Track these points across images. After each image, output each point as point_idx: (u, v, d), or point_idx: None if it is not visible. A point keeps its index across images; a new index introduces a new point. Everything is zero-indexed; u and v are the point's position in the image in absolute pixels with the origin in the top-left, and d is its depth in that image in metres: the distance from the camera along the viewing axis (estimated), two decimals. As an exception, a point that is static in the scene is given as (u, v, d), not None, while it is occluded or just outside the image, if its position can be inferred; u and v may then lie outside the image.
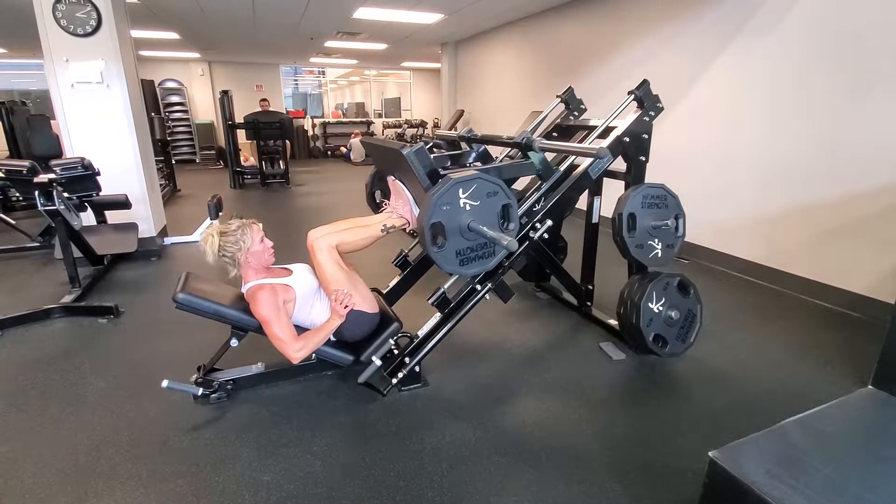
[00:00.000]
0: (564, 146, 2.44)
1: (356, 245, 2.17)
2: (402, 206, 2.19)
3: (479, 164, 2.56)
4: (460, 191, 1.78)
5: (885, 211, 2.89)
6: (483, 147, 2.63)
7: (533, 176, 2.53)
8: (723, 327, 2.88)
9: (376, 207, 2.71)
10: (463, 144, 2.76)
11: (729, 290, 3.56)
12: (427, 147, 1.98)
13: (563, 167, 2.38)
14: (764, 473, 1.19)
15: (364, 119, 13.52)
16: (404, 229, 2.23)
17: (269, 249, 2.08)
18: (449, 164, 2.50)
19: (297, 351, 1.96)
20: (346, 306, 2.04)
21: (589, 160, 2.35)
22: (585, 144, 2.54)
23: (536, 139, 2.23)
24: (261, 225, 2.11)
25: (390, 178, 2.28)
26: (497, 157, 2.78)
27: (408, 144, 1.95)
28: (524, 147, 2.24)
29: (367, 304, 2.17)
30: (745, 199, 3.75)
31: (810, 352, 2.61)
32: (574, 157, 2.42)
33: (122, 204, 3.93)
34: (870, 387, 1.63)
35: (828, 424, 1.42)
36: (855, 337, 2.78)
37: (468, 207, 1.81)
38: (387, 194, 2.41)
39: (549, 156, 2.49)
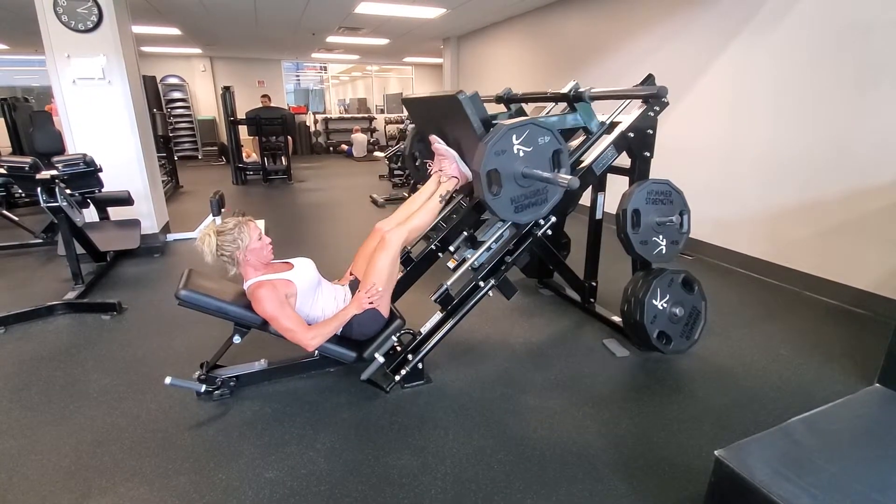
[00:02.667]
0: (618, 91, 2.44)
1: (424, 228, 2.26)
2: (448, 164, 2.22)
3: None
4: (514, 137, 1.83)
5: (891, 207, 2.87)
6: (519, 106, 2.64)
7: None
8: (727, 324, 2.86)
9: (416, 170, 2.72)
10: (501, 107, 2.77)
11: (733, 286, 3.54)
12: None
13: (584, 162, 2.36)
14: (770, 473, 1.18)
15: (366, 115, 13.48)
16: (456, 188, 2.27)
17: (268, 246, 2.08)
18: None
19: (311, 339, 1.96)
20: (371, 303, 2.06)
21: (593, 156, 2.34)
22: (587, 144, 2.53)
23: (587, 89, 2.23)
24: (262, 222, 2.10)
25: (432, 138, 2.28)
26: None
27: (461, 91, 1.98)
28: (573, 98, 2.25)
29: (386, 307, 2.19)
30: (749, 195, 3.73)
31: (815, 349, 2.59)
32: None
33: (125, 200, 3.93)
34: (876, 384, 1.62)
35: (834, 423, 1.41)
36: (860, 334, 2.76)
37: (521, 154, 1.86)
38: (427, 156, 2.42)
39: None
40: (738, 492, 1.21)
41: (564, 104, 2.50)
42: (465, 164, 2.26)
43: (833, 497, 1.12)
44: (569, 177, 1.75)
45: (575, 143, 2.48)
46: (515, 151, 1.86)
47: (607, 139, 2.39)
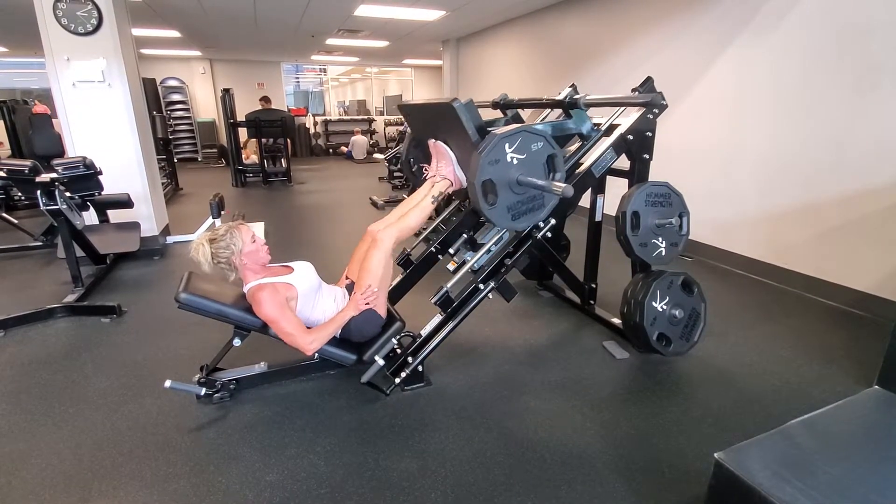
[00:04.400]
0: (612, 98, 2.44)
1: (415, 228, 2.26)
2: (444, 167, 2.23)
3: None
4: (506, 145, 1.83)
5: (890, 208, 2.87)
6: (515, 112, 2.64)
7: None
8: (727, 326, 2.86)
9: (412, 175, 2.73)
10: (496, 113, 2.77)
11: (733, 288, 3.54)
12: None
13: (584, 165, 2.36)
14: (770, 475, 1.18)
15: (366, 117, 13.50)
16: (449, 192, 2.26)
17: (263, 248, 2.07)
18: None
19: (310, 343, 1.96)
20: (368, 304, 2.06)
21: (594, 157, 2.34)
22: (586, 146, 2.54)
23: (581, 96, 2.23)
24: (262, 224, 2.11)
25: (431, 141, 2.28)
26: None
27: (456, 98, 1.99)
28: (567, 105, 2.25)
29: (382, 307, 2.19)
30: (749, 197, 3.73)
31: (815, 350, 2.59)
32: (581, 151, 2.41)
33: (125, 203, 3.93)
34: (875, 386, 1.62)
35: (834, 425, 1.41)
36: (860, 335, 2.76)
37: (515, 161, 1.85)
38: (422, 160, 2.42)
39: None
40: (737, 494, 1.21)
41: (560, 110, 2.51)
42: (461, 169, 2.27)
43: (833, 499, 1.12)
44: (563, 185, 1.75)
45: (572, 147, 2.48)
46: (509, 160, 1.85)
47: (606, 142, 2.40)
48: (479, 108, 2.11)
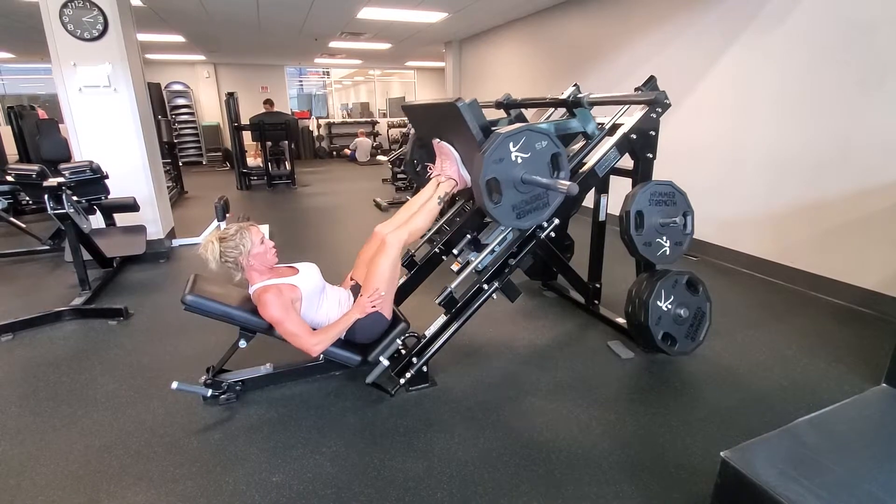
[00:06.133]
0: (616, 96, 2.44)
1: (423, 230, 2.27)
2: (449, 167, 2.22)
3: None
4: (510, 144, 1.83)
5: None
6: (519, 111, 2.64)
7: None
8: (732, 325, 2.85)
9: (416, 175, 2.74)
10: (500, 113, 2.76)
11: (738, 286, 3.53)
12: None
13: (587, 164, 2.36)
14: (776, 474, 1.18)
15: (369, 119, 13.54)
16: (454, 191, 2.26)
17: (271, 250, 2.09)
18: None
19: (315, 344, 1.96)
20: (374, 307, 2.06)
21: (598, 156, 2.34)
22: (589, 146, 2.54)
23: (585, 94, 2.23)
24: (267, 226, 2.12)
25: (435, 141, 2.29)
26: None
27: (460, 98, 1.99)
28: (571, 104, 2.25)
29: (388, 310, 2.19)
30: (753, 195, 3.72)
31: (821, 349, 2.58)
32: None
33: (131, 206, 3.96)
34: (883, 384, 1.61)
35: (840, 423, 1.41)
36: (867, 334, 2.74)
37: (520, 160, 1.86)
38: (427, 159, 2.42)
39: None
40: (744, 493, 1.21)
41: (564, 109, 2.50)
42: (465, 168, 2.27)
43: (840, 498, 1.11)
44: (567, 182, 1.75)
45: (576, 146, 2.48)
46: (513, 158, 1.86)
47: (610, 141, 2.40)
48: (483, 108, 2.11)
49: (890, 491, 1.15)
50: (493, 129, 1.95)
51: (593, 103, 2.25)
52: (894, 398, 1.54)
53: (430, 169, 2.31)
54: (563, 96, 2.35)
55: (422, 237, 2.56)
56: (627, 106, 2.50)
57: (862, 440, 1.36)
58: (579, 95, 2.27)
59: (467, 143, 2.04)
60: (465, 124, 1.96)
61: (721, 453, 1.31)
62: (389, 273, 2.13)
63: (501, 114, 2.86)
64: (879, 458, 1.28)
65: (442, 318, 2.24)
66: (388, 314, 2.19)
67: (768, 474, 1.18)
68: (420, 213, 2.25)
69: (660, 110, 2.41)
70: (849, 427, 1.39)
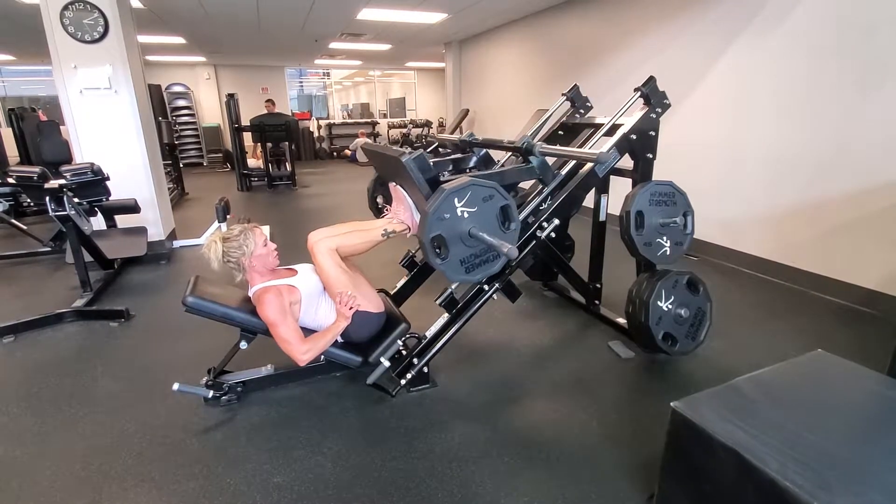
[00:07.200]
0: (565, 151, 2.40)
1: (356, 249, 2.17)
2: (403, 212, 2.19)
3: (479, 168, 2.57)
4: (455, 200, 1.77)
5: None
6: (484, 151, 2.63)
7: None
8: (733, 324, 2.85)
9: (378, 212, 2.73)
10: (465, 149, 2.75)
11: (739, 286, 3.53)
12: (431, 149, 1.98)
13: (565, 170, 2.34)
14: (717, 418, 1.35)
15: (369, 120, 13.55)
16: (405, 234, 2.23)
17: (273, 252, 2.09)
18: (451, 168, 2.50)
19: (303, 353, 1.96)
20: (351, 308, 2.04)
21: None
22: (589, 146, 2.55)
23: (537, 143, 2.21)
24: (268, 227, 2.12)
25: (392, 184, 2.28)
26: (499, 161, 2.79)
27: (406, 152, 1.95)
28: (524, 152, 2.23)
29: (372, 304, 2.17)
30: (753, 195, 3.72)
31: (822, 348, 2.57)
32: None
33: (132, 208, 3.96)
34: (819, 350, 1.76)
35: (777, 380, 1.57)
36: (867, 333, 2.74)
37: (466, 215, 1.80)
38: (388, 199, 2.41)
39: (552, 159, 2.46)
40: (690, 435, 1.37)
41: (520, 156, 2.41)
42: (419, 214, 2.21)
43: (770, 435, 1.26)
44: (509, 246, 1.68)
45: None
46: (459, 214, 1.79)
47: (609, 141, 2.40)
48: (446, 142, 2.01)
49: (812, 430, 1.30)
50: (442, 180, 1.89)
51: (544, 153, 2.22)
52: (827, 360, 1.69)
53: (387, 210, 2.30)
54: (517, 143, 2.30)
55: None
56: (628, 105, 2.50)
57: (794, 394, 1.51)
58: (532, 143, 2.22)
59: (417, 192, 2.01)
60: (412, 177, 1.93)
61: (671, 403, 1.43)
62: (338, 273, 2.06)
63: (496, 135, 2.81)
64: (808, 406, 1.43)
65: (443, 319, 2.24)
66: (373, 308, 2.16)
67: (710, 418, 1.34)
68: (360, 233, 2.16)
69: (660, 110, 2.42)
70: (784, 382, 1.56)
